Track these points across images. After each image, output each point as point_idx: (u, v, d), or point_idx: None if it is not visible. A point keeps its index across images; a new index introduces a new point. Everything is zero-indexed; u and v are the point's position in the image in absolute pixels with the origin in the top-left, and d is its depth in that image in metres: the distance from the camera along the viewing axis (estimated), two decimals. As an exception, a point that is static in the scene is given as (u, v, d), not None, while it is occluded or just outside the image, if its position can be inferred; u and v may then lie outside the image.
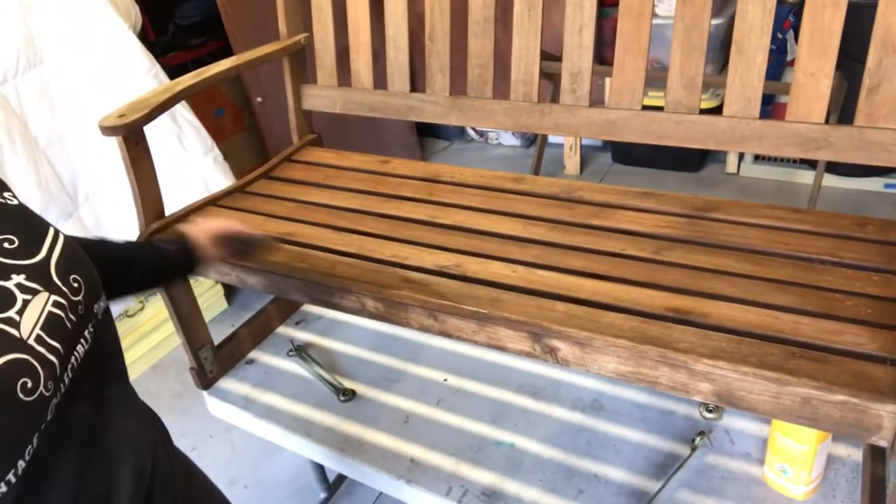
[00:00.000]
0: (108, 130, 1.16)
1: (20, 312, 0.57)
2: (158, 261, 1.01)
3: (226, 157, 2.18)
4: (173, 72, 1.77)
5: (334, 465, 1.32)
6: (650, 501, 1.09)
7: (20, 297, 0.58)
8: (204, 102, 2.46)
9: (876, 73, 1.02)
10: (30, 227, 0.64)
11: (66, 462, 0.61)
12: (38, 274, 0.60)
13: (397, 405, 1.36)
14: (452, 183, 1.36)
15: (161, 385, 2.21)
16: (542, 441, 1.23)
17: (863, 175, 2.66)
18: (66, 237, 0.67)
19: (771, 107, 2.77)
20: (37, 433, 0.56)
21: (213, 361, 1.46)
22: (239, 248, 1.11)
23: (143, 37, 2.11)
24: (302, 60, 1.58)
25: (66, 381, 0.60)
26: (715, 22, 2.52)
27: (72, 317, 0.62)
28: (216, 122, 2.56)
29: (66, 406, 0.60)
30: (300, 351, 1.52)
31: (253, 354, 1.56)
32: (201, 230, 1.06)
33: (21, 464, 0.54)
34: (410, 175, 1.42)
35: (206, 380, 1.46)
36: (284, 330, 1.63)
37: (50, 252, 0.63)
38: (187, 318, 1.37)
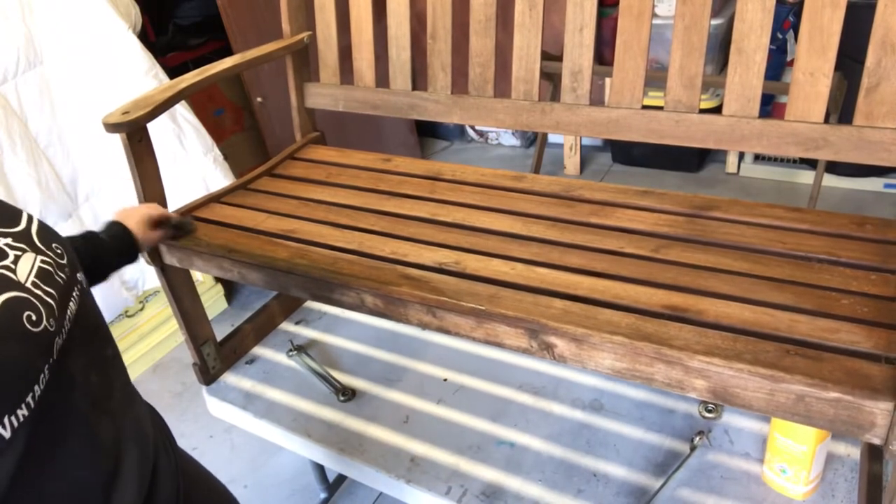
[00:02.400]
0: (111, 127, 1.16)
1: (14, 263, 0.60)
2: (104, 252, 1.02)
3: (226, 157, 2.19)
4: (173, 72, 1.77)
5: (334, 465, 1.32)
6: (650, 500, 1.10)
7: (11, 252, 0.61)
8: (204, 102, 2.46)
9: (875, 73, 1.02)
10: (4, 208, 0.68)
11: (76, 412, 0.63)
12: (22, 239, 0.64)
13: (397, 404, 1.36)
14: (453, 181, 1.36)
15: (161, 385, 2.22)
16: (542, 440, 1.23)
17: (863, 175, 2.67)
18: (39, 220, 0.70)
19: (770, 106, 2.77)
20: (47, 365, 0.58)
21: (215, 357, 1.47)
22: (169, 231, 1.18)
23: (143, 37, 2.11)
24: (305, 59, 1.59)
25: (66, 326, 0.63)
26: (715, 22, 2.53)
27: (60, 274, 0.65)
28: (216, 122, 2.57)
29: (67, 357, 0.62)
30: (300, 351, 1.52)
31: (255, 351, 1.56)
32: (132, 217, 1.09)
33: (38, 389, 0.56)
34: (412, 173, 1.42)
35: (208, 376, 1.47)
36: (287, 327, 1.63)
37: (28, 225, 0.67)
38: (190, 313, 1.37)
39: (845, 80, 2.02)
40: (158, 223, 1.14)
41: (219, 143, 2.17)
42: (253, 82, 2.49)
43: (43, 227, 0.69)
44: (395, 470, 1.21)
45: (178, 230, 1.21)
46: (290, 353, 1.52)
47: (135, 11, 2.06)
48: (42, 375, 0.57)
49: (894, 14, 0.99)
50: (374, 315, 1.09)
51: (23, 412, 0.55)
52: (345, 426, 1.32)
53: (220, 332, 1.51)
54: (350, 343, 1.55)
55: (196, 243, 1.23)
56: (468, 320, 0.99)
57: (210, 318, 1.42)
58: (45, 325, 0.59)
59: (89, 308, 0.71)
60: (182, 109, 2.06)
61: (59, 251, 0.67)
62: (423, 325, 1.04)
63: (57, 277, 0.64)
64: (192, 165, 2.07)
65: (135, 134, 1.18)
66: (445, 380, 1.40)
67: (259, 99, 2.52)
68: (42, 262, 0.63)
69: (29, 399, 0.55)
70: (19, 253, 0.62)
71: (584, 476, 1.16)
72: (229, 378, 1.49)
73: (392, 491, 1.23)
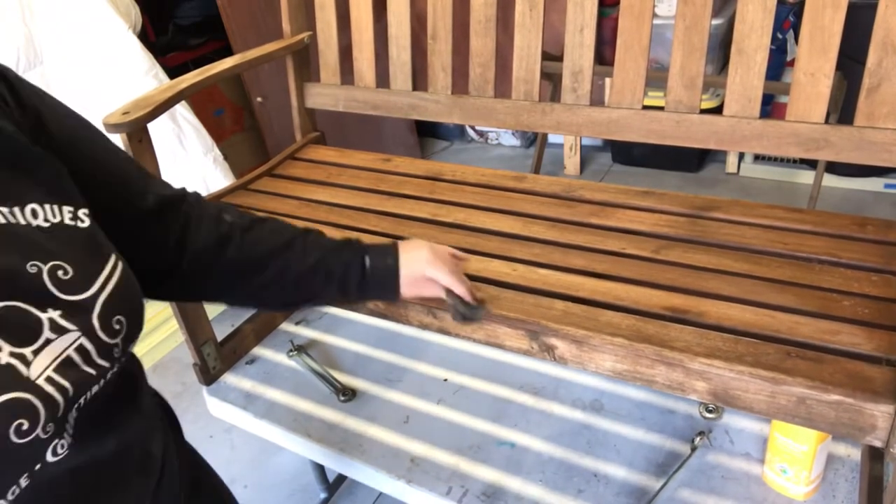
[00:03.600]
0: (112, 127, 1.16)
1: (36, 352, 0.52)
2: (325, 283, 0.83)
3: (226, 157, 2.19)
4: (173, 72, 1.77)
5: (334, 464, 1.32)
6: (650, 501, 1.10)
7: (45, 334, 0.53)
8: (204, 102, 2.46)
9: (876, 73, 1.02)
10: (91, 255, 0.59)
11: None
12: (78, 313, 0.55)
13: (397, 405, 1.36)
14: (454, 181, 1.36)
15: (161, 385, 2.20)
16: (542, 440, 1.23)
17: (863, 175, 2.67)
18: (124, 268, 0.61)
19: (771, 107, 2.77)
20: (26, 474, 0.52)
21: (216, 357, 1.47)
22: (451, 307, 0.91)
23: (143, 37, 2.12)
24: (305, 59, 1.59)
25: (71, 421, 0.56)
26: (715, 22, 2.53)
27: (99, 361, 0.57)
28: (216, 122, 2.57)
29: (67, 453, 0.56)
30: (301, 351, 1.52)
31: (255, 351, 1.56)
32: (423, 258, 0.87)
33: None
34: (412, 173, 1.42)
35: (208, 376, 1.46)
36: (287, 327, 1.63)
37: (101, 288, 0.57)
38: (190, 313, 1.37)
39: (845, 80, 2.02)
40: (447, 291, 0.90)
41: (219, 143, 2.18)
42: (253, 82, 2.49)
43: (118, 290, 0.58)
44: (396, 470, 1.21)
45: (464, 314, 0.91)
46: (291, 353, 1.52)
47: (135, 11, 2.06)
48: (14, 488, 0.52)
49: (895, 14, 0.99)
50: (374, 315, 1.09)
51: None
52: (345, 426, 1.32)
53: (221, 332, 1.51)
54: (350, 343, 1.55)
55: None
56: (468, 321, 0.98)
57: (210, 318, 1.42)
58: (37, 435, 0.51)
59: (125, 373, 0.63)
60: (182, 109, 2.06)
61: (117, 327, 0.58)
62: (424, 326, 1.04)
63: (86, 366, 0.55)
64: (192, 165, 2.07)
65: (135, 134, 1.18)
66: (446, 380, 1.40)
67: (259, 99, 2.52)
68: (78, 347, 0.55)
69: None
70: (54, 336, 0.53)
71: (584, 476, 1.16)
72: (229, 378, 1.49)
73: (392, 491, 1.23)
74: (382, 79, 1.51)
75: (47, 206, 0.57)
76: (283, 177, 1.48)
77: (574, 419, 1.27)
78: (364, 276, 0.85)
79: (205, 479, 0.88)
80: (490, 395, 1.35)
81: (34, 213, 0.56)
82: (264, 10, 2.40)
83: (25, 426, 0.50)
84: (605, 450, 1.20)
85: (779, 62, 2.69)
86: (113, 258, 0.60)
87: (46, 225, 0.56)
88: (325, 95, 1.57)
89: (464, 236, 1.16)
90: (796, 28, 2.52)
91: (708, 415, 1.23)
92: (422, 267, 0.87)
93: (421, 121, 2.71)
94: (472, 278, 1.03)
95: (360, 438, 1.29)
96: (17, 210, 0.55)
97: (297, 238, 0.84)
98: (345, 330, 1.59)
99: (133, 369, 0.69)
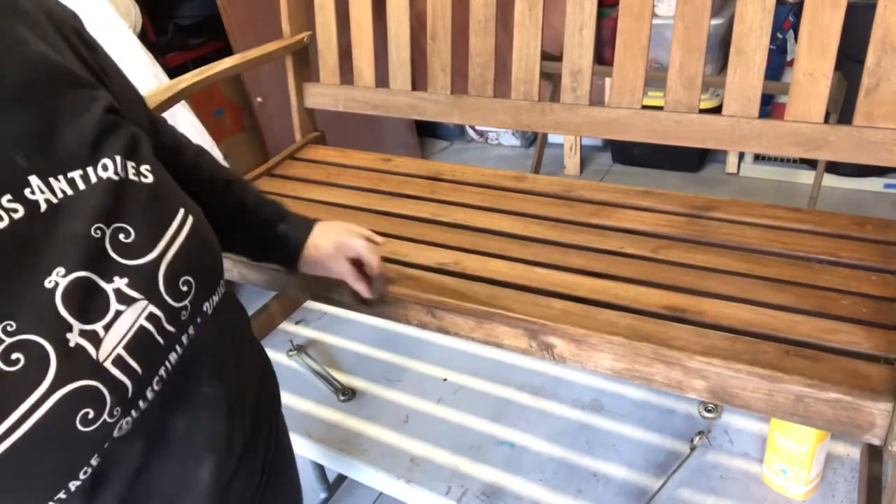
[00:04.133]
0: (110, 128, 1.17)
1: (108, 327, 0.51)
2: (253, 228, 0.88)
3: (226, 157, 2.18)
4: (173, 72, 1.77)
5: (334, 464, 1.32)
6: (650, 500, 1.10)
7: (114, 306, 0.52)
8: (204, 102, 2.46)
9: (875, 73, 1.02)
10: (156, 212, 0.57)
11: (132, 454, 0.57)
12: (144, 278, 0.54)
13: (397, 404, 1.36)
14: (454, 181, 1.36)
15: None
16: (542, 440, 1.23)
17: (863, 175, 2.67)
18: (194, 223, 0.59)
19: (770, 106, 2.77)
20: (95, 455, 0.52)
21: (214, 359, 1.46)
22: (364, 282, 0.97)
23: (143, 37, 2.12)
24: (305, 59, 1.59)
25: (145, 399, 0.55)
26: (715, 22, 2.53)
27: (168, 328, 0.56)
28: (216, 122, 2.56)
29: (135, 430, 0.55)
30: (300, 350, 1.52)
31: (253, 353, 1.56)
32: (335, 232, 0.94)
33: (73, 484, 0.51)
34: (412, 173, 1.42)
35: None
36: (287, 326, 1.63)
37: (168, 247, 0.56)
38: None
39: (845, 80, 2.02)
40: (359, 263, 0.96)
41: (219, 143, 2.17)
42: (253, 82, 2.49)
43: (186, 246, 0.57)
44: (395, 470, 1.21)
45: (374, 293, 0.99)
46: (290, 353, 1.52)
47: (135, 11, 2.06)
48: (86, 468, 0.51)
49: (894, 14, 0.99)
50: (375, 315, 1.09)
51: (60, 496, 0.50)
52: (345, 426, 1.32)
53: (220, 332, 1.51)
54: (350, 343, 1.55)
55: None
56: (468, 321, 0.99)
57: (210, 318, 1.42)
58: (104, 420, 0.50)
59: (217, 329, 0.62)
60: (182, 109, 2.06)
61: (185, 288, 0.56)
62: (423, 326, 1.04)
63: (158, 336, 0.55)
64: (193, 165, 2.07)
65: (135, 134, 1.19)
66: (445, 380, 1.40)
67: (259, 99, 2.52)
68: (149, 315, 0.54)
69: (63, 492, 0.50)
70: (123, 308, 0.52)
71: (584, 476, 1.16)
72: (229, 378, 1.49)
73: (392, 491, 1.23)
74: (382, 79, 1.51)
75: (118, 159, 0.55)
76: (283, 177, 1.48)
77: (573, 419, 1.27)
78: (272, 241, 0.89)
79: (283, 470, 0.85)
80: (490, 394, 1.35)
81: (104, 167, 0.54)
82: (264, 10, 2.40)
83: (91, 415, 0.49)
84: (605, 449, 1.20)
85: (778, 62, 2.69)
86: (181, 213, 0.58)
87: (116, 179, 0.55)
88: (325, 95, 1.57)
89: (463, 236, 1.16)
90: (796, 28, 2.52)
91: (707, 414, 1.23)
92: (334, 239, 0.93)
93: (421, 121, 2.70)
94: (472, 277, 1.04)
95: (360, 438, 1.29)
96: (90, 169, 0.53)
97: (236, 179, 0.90)
98: (345, 330, 1.59)
99: (222, 330, 0.66)
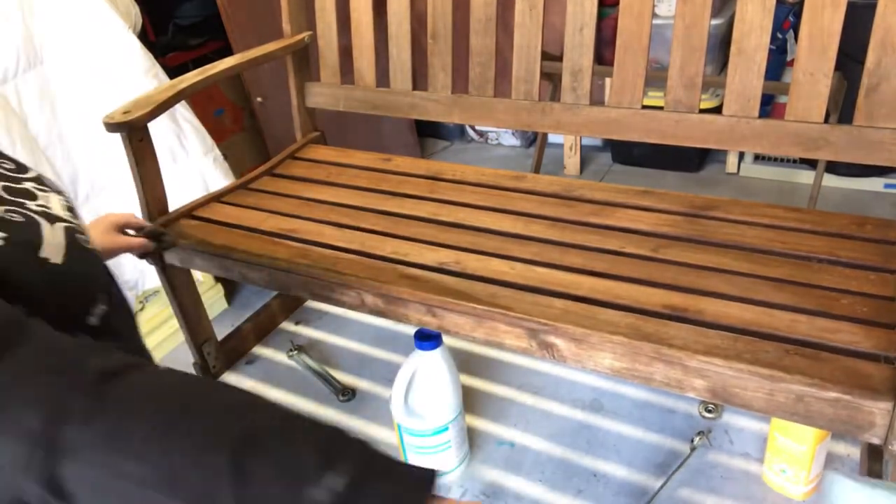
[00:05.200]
0: (112, 127, 1.17)
1: (48, 202, 0.62)
2: None
3: (226, 157, 2.18)
4: (173, 72, 1.77)
5: (334, 463, 1.32)
6: (650, 500, 1.10)
7: (39, 193, 0.63)
8: (204, 102, 2.45)
9: (875, 73, 1.02)
10: (12, 159, 0.71)
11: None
12: (42, 181, 0.67)
13: (397, 403, 1.36)
14: (454, 181, 1.36)
15: (161, 384, 2.21)
16: (542, 440, 1.23)
17: (863, 175, 2.66)
18: None
19: (770, 106, 2.77)
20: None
21: (216, 357, 1.47)
22: (142, 241, 1.17)
23: (143, 37, 2.11)
24: (305, 58, 1.59)
25: None
26: (715, 22, 2.52)
27: (76, 216, 0.67)
28: (216, 122, 2.56)
29: None
30: (301, 350, 1.52)
31: (255, 351, 1.56)
32: (99, 223, 1.10)
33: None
34: (412, 173, 1.42)
35: (208, 375, 1.47)
36: (287, 327, 1.63)
37: (38, 173, 0.69)
38: (190, 312, 1.37)
39: (845, 80, 2.01)
40: (134, 229, 1.15)
41: (219, 143, 2.17)
42: (253, 82, 2.49)
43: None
44: (396, 469, 1.21)
45: (154, 239, 1.20)
46: (291, 353, 1.52)
47: (135, 11, 2.06)
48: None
49: (894, 14, 0.99)
50: (375, 315, 1.09)
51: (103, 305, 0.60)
52: (345, 426, 1.32)
53: (221, 332, 1.51)
54: (350, 343, 1.55)
55: (197, 243, 1.23)
56: (468, 320, 0.99)
57: (210, 317, 1.42)
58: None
59: None
60: (182, 109, 2.05)
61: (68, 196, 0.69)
62: (423, 325, 1.04)
63: (77, 214, 0.67)
64: (192, 165, 2.07)
65: (135, 133, 1.19)
66: (445, 379, 1.40)
67: (259, 99, 2.52)
68: (62, 200, 0.66)
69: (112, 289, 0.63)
70: (46, 193, 0.65)
71: (584, 476, 1.16)
72: (229, 378, 1.49)
73: (392, 490, 1.23)
74: (382, 78, 1.51)
75: None
76: (284, 176, 1.48)
77: (574, 419, 1.27)
78: None
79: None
80: (490, 394, 1.35)
81: None
82: (264, 10, 2.40)
83: (86, 238, 0.63)
84: (605, 449, 1.20)
85: (778, 62, 2.69)
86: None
87: None
88: (326, 95, 1.57)
89: (463, 235, 1.16)
90: (796, 28, 2.52)
91: (707, 414, 1.23)
92: (98, 227, 1.09)
93: (421, 120, 2.70)
94: (472, 277, 1.04)
95: (360, 438, 1.29)
96: None
97: None
98: (345, 330, 1.59)
99: None
